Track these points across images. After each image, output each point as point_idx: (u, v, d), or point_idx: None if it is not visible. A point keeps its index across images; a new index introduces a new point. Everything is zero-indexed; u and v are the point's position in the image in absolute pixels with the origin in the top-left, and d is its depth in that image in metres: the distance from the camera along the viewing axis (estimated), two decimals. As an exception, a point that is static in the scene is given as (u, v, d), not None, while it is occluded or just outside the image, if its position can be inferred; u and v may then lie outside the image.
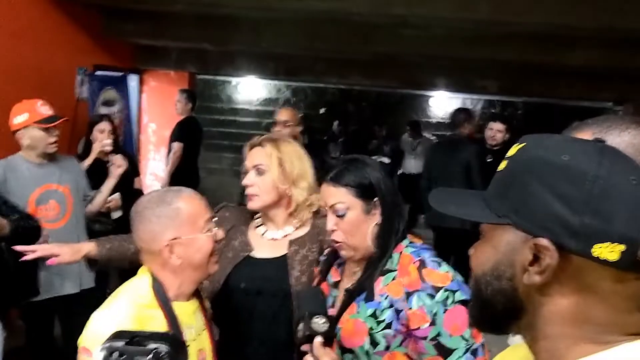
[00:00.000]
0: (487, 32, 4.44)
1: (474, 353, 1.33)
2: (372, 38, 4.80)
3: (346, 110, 10.09)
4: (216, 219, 1.51)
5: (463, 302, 1.34)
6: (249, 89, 10.28)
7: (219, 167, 9.46)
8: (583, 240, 0.63)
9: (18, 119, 2.90)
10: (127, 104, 5.36)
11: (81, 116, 4.58)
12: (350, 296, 1.48)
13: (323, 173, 1.53)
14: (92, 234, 3.13)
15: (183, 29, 5.17)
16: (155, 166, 6.89)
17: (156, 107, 6.73)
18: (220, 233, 1.49)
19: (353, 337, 1.43)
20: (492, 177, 0.75)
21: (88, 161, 3.64)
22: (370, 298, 1.43)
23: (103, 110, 4.77)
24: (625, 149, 0.85)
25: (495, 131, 4.73)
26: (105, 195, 3.27)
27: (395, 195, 1.49)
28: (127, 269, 1.70)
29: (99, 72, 5.13)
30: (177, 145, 5.43)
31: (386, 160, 8.10)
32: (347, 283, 1.54)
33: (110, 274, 3.68)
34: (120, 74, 5.57)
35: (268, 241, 1.84)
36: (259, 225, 1.88)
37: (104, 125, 3.77)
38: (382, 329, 1.40)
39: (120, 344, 0.87)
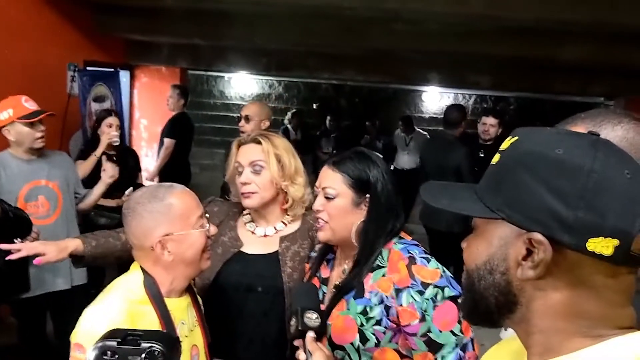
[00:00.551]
0: (480, 27, 4.44)
1: (464, 348, 1.35)
2: (365, 33, 4.78)
3: (339, 106, 10.09)
4: (208, 215, 1.50)
5: (452, 298, 1.36)
6: (242, 85, 10.25)
7: (211, 162, 9.42)
8: (577, 234, 0.62)
9: (3, 115, 2.88)
10: (119, 100, 5.31)
11: (72, 112, 4.55)
12: (339, 292, 1.48)
13: (315, 168, 1.54)
14: (97, 228, 3.16)
15: (174, 24, 5.14)
16: (147, 162, 6.86)
17: (148, 103, 6.70)
18: (213, 229, 1.48)
19: (343, 333, 1.43)
20: (483, 173, 0.75)
21: (98, 152, 3.79)
22: (360, 295, 1.44)
23: (94, 106, 4.75)
24: (619, 143, 0.85)
25: (488, 126, 4.73)
26: (96, 198, 3.31)
27: (391, 198, 1.49)
28: (117, 265, 1.68)
29: (89, 68, 5.09)
30: (168, 142, 5.42)
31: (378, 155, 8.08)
32: (336, 279, 1.55)
33: (108, 269, 3.68)
34: (111, 69, 5.53)
35: (258, 237, 1.83)
36: (249, 222, 1.87)
37: (112, 120, 3.90)
38: (372, 326, 1.40)
39: (113, 343, 0.87)
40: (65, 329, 1.42)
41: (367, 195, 1.47)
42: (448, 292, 1.35)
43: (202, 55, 6.28)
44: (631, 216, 0.62)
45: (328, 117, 8.63)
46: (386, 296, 1.39)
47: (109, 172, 3.32)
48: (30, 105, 2.94)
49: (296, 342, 1.28)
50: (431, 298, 1.35)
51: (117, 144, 3.85)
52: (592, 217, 0.62)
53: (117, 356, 0.85)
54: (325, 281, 1.59)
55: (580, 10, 3.57)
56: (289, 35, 5.03)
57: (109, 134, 3.83)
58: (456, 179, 4.27)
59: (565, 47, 4.52)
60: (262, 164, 1.77)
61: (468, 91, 9.40)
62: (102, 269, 3.66)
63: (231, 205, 1.93)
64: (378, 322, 1.40)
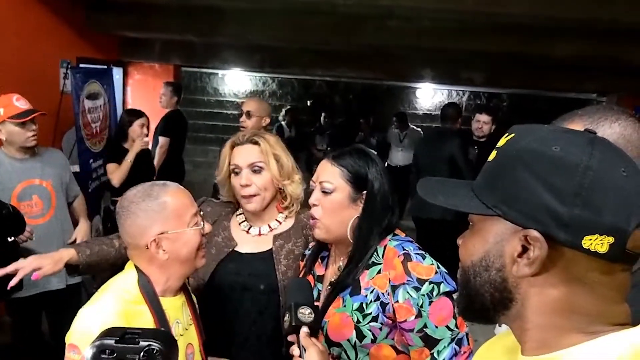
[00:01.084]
0: (473, 24, 4.45)
1: (459, 342, 1.36)
2: (359, 30, 4.78)
3: (333, 103, 10.08)
4: (202, 212, 1.50)
5: (447, 294, 1.36)
6: (235, 82, 10.23)
7: (205, 160, 9.40)
8: (573, 232, 0.63)
9: None
10: (112, 97, 5.28)
11: (65, 109, 4.53)
12: (334, 289, 1.48)
13: (309, 165, 1.54)
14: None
15: (167, 20, 5.11)
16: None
17: (141, 100, 6.66)
18: (207, 226, 1.48)
19: (340, 330, 1.43)
20: (477, 169, 0.75)
21: (131, 157, 3.91)
22: (356, 292, 1.44)
23: (88, 103, 4.72)
24: (616, 140, 0.86)
25: (482, 123, 4.75)
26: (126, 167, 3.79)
27: (387, 197, 1.49)
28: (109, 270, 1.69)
29: (82, 65, 5.06)
30: (163, 140, 5.36)
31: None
32: (331, 277, 1.55)
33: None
34: (104, 66, 5.50)
35: (252, 236, 1.82)
36: (243, 221, 1.86)
37: (144, 120, 3.99)
38: (368, 322, 1.41)
39: (111, 341, 0.86)
40: (60, 328, 1.42)
41: (364, 192, 1.47)
42: (443, 287, 1.36)
43: (196, 52, 6.25)
44: (626, 214, 0.62)
45: (322, 114, 8.62)
46: (382, 293, 1.40)
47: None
48: (22, 104, 2.91)
49: (290, 338, 1.29)
50: (427, 294, 1.35)
51: (148, 147, 3.99)
52: (588, 215, 0.62)
53: (115, 354, 0.85)
54: (320, 279, 1.59)
55: (572, 7, 3.58)
56: (283, 32, 5.02)
57: (142, 139, 3.92)
58: (449, 169, 4.29)
59: (558, 44, 4.53)
60: (261, 165, 1.76)
61: (462, 88, 9.43)
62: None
63: (224, 205, 1.92)
64: (374, 319, 1.40)
